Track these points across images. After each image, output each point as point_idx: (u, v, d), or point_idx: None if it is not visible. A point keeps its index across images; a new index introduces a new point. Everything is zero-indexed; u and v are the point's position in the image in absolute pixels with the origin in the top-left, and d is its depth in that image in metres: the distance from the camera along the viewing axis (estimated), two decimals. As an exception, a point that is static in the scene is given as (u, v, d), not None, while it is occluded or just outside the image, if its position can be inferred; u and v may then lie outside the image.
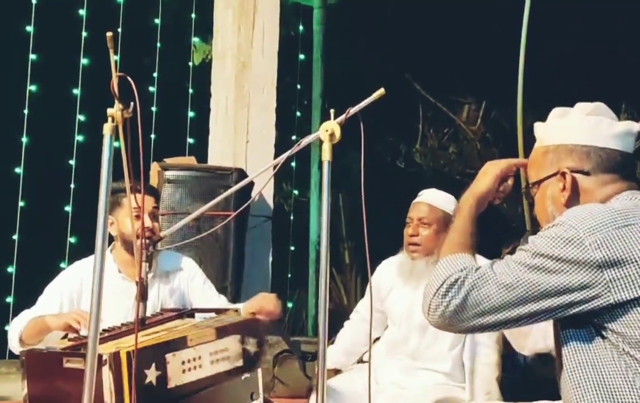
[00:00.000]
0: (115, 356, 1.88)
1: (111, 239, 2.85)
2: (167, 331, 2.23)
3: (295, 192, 6.74)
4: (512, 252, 1.77)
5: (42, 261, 5.13)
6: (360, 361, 3.07)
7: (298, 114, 6.55)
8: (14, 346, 2.66)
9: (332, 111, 1.89)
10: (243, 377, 2.28)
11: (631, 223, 1.41)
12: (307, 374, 4.17)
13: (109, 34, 1.76)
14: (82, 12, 5.44)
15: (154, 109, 5.79)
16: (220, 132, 5.04)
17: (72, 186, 5.40)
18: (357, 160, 1.98)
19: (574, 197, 1.57)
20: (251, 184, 4.01)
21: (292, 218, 6.53)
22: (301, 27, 6.42)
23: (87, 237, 4.56)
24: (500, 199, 1.78)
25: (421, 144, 8.17)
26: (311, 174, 5.90)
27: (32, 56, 5.33)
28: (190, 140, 5.80)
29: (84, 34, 5.44)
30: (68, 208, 5.38)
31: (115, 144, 1.75)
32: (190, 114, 5.83)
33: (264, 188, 4.34)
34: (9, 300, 5.18)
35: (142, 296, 2.20)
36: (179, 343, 2.05)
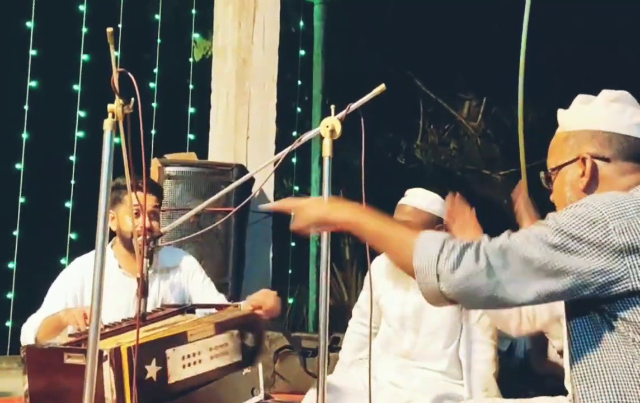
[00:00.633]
0: (116, 352, 1.88)
1: (112, 234, 2.85)
2: (168, 326, 2.23)
3: (296, 188, 6.74)
4: None
5: (43, 257, 5.14)
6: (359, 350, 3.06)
7: (299, 110, 6.55)
8: None
9: (332, 107, 1.89)
10: (244, 373, 2.29)
11: None
12: (307, 370, 4.17)
13: (109, 29, 1.76)
14: (83, 7, 5.44)
15: (154, 105, 5.79)
16: (220, 128, 5.04)
17: (73, 182, 5.40)
18: (358, 156, 1.98)
19: (592, 183, 1.55)
20: (252, 180, 3.99)
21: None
22: (302, 23, 6.42)
23: (87, 233, 4.56)
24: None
25: (422, 140, 8.16)
26: (312, 170, 5.90)
27: (33, 52, 5.33)
28: (190, 136, 5.80)
29: (84, 29, 5.43)
30: (68, 204, 5.38)
31: (116, 140, 1.75)
32: (191, 110, 5.83)
33: (265, 184, 4.31)
34: (10, 296, 5.19)
35: (143, 292, 2.20)
36: (179, 339, 2.06)
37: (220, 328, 2.19)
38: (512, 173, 7.21)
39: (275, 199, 5.29)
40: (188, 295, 2.94)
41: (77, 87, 5.46)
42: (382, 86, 1.89)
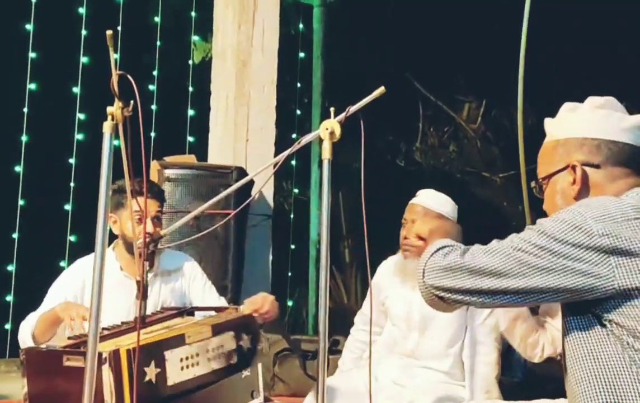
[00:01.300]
0: (115, 354, 1.88)
1: (114, 236, 2.85)
2: (167, 329, 2.23)
3: (296, 190, 6.74)
4: None
5: (42, 260, 5.13)
6: (359, 358, 3.06)
7: (298, 112, 6.55)
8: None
9: (332, 109, 1.89)
10: (243, 375, 2.28)
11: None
12: (307, 373, 4.17)
13: (108, 32, 1.76)
14: (82, 10, 5.44)
15: (154, 107, 5.79)
16: (220, 131, 5.04)
17: (72, 184, 5.40)
18: (357, 158, 1.98)
19: (584, 190, 1.56)
20: (251, 183, 3.98)
21: (292, 216, 6.53)
22: (301, 26, 6.42)
23: (87, 236, 4.56)
24: None
25: (421, 143, 8.16)
26: (311, 172, 5.90)
27: (32, 54, 5.33)
28: (190, 138, 5.80)
29: (83, 32, 5.43)
30: (68, 207, 5.38)
31: (115, 142, 1.75)
32: (190, 112, 5.83)
33: (264, 187, 4.34)
34: (9, 298, 5.19)
35: (143, 295, 2.20)
36: (177, 341, 2.06)
37: (217, 330, 2.19)
38: (511, 176, 7.20)
39: (275, 201, 5.30)
40: (189, 298, 2.93)
41: (76, 89, 5.46)
42: (381, 89, 1.89)
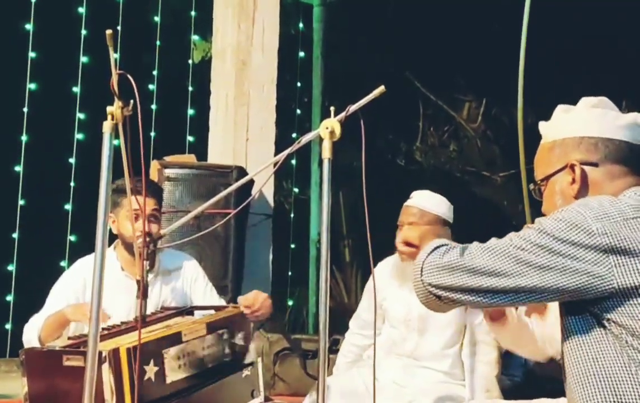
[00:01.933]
0: (115, 353, 1.88)
1: (115, 236, 2.85)
2: (166, 328, 2.24)
3: (296, 190, 6.74)
4: None
5: (42, 260, 5.14)
6: (360, 358, 3.06)
7: (298, 111, 6.55)
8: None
9: (332, 108, 1.89)
10: (244, 375, 2.29)
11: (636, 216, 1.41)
12: (307, 372, 4.17)
13: (108, 31, 1.76)
14: (82, 9, 5.44)
15: (153, 106, 5.79)
16: (220, 130, 5.03)
17: (72, 184, 5.40)
18: (358, 158, 1.98)
19: (583, 189, 1.56)
20: (251, 182, 3.99)
21: (292, 215, 6.54)
22: (301, 25, 6.42)
23: (87, 235, 4.56)
24: None
25: (421, 142, 8.16)
26: (311, 171, 5.90)
27: (32, 54, 5.33)
28: (190, 138, 5.80)
29: (83, 31, 5.44)
30: (68, 207, 5.38)
31: (115, 142, 1.74)
32: (190, 111, 5.83)
33: (264, 186, 4.33)
34: (9, 298, 5.19)
35: (143, 294, 2.20)
36: (174, 339, 2.06)
37: (211, 327, 2.20)
38: (512, 175, 7.20)
39: (275, 201, 5.30)
40: (190, 298, 2.93)
41: (76, 89, 5.46)
42: (381, 88, 1.89)
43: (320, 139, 1.86)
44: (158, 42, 5.81)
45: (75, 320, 2.51)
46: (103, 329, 2.18)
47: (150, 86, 5.79)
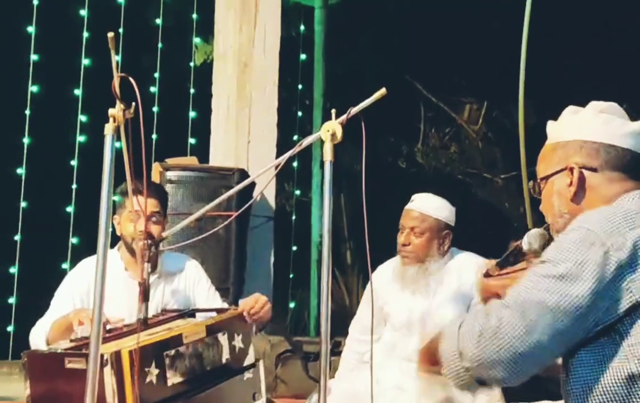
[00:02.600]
0: (117, 355, 1.88)
1: (118, 238, 2.86)
2: (167, 330, 2.24)
3: (297, 192, 6.74)
4: (519, 248, 1.77)
5: (44, 262, 5.14)
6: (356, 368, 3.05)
7: (299, 114, 6.55)
8: None
9: (333, 111, 1.89)
10: (245, 377, 2.29)
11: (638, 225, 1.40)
12: (309, 374, 4.17)
13: (110, 34, 1.76)
14: (84, 12, 5.45)
15: (155, 109, 5.79)
16: (221, 133, 5.04)
17: (74, 186, 5.41)
18: (359, 160, 1.98)
19: (580, 193, 1.56)
20: (253, 185, 4.00)
21: (294, 218, 6.54)
22: (302, 27, 6.42)
23: (89, 238, 4.56)
24: None
25: (423, 144, 8.17)
26: (313, 174, 5.90)
27: (34, 57, 5.34)
28: (191, 140, 5.80)
29: (85, 34, 5.44)
30: (70, 209, 5.39)
31: (117, 144, 1.75)
32: (192, 114, 5.84)
33: (266, 188, 4.33)
34: (11, 300, 5.20)
35: (145, 297, 2.20)
36: (175, 341, 2.06)
37: (211, 330, 2.20)
38: (513, 177, 7.20)
39: (277, 203, 5.30)
40: (192, 300, 2.93)
41: (78, 91, 5.47)
42: (382, 90, 1.89)
43: (322, 142, 1.86)
44: (160, 45, 5.82)
45: (74, 322, 2.51)
46: (105, 331, 2.18)
47: (152, 89, 5.79)
